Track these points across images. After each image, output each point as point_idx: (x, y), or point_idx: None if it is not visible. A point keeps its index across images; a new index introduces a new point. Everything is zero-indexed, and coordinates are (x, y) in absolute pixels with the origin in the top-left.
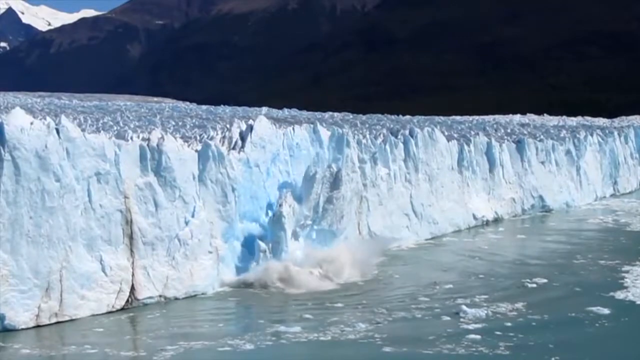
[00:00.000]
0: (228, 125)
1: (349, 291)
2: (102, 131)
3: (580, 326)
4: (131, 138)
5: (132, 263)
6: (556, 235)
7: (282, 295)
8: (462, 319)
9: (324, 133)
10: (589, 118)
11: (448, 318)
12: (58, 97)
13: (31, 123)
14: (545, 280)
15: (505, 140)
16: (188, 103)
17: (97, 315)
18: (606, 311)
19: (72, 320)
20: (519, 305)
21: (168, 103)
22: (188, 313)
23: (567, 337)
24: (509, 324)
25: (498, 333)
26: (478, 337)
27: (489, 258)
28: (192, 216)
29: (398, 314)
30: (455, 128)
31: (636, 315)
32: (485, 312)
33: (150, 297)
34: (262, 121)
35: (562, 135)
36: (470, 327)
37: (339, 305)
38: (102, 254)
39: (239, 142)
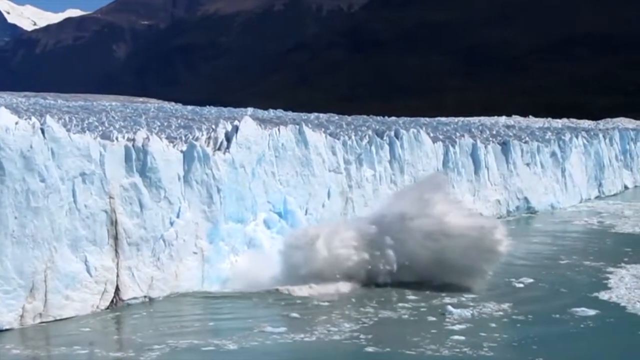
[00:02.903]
0: (213, 126)
1: (338, 290)
2: (87, 131)
3: (565, 327)
4: (116, 138)
5: (117, 264)
6: (541, 236)
7: (269, 294)
8: (447, 319)
9: (310, 134)
10: (574, 120)
11: (434, 318)
12: (43, 97)
13: (16, 123)
14: (531, 281)
15: (491, 142)
16: (173, 103)
17: (82, 315)
18: (591, 312)
19: (56, 320)
20: (505, 305)
21: (153, 103)
22: (173, 313)
23: (552, 338)
24: (494, 324)
25: (483, 334)
26: (462, 337)
27: None
28: (177, 217)
29: (384, 313)
30: (441, 129)
31: (620, 317)
32: (471, 312)
33: (134, 298)
34: (248, 122)
35: (547, 137)
36: (455, 327)
37: (326, 304)
38: (86, 255)
39: (225, 143)
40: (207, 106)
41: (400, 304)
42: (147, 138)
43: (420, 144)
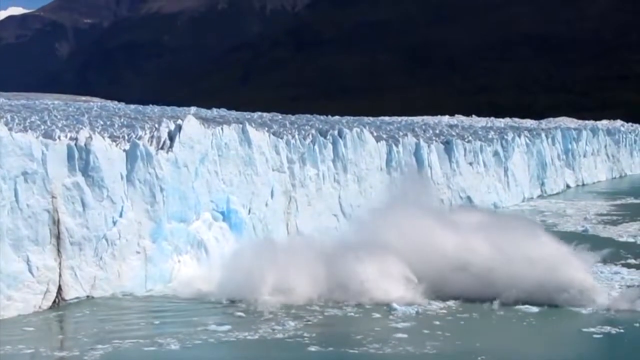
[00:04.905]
0: (156, 125)
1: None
2: (29, 130)
3: (509, 325)
4: (59, 137)
5: (60, 263)
6: None
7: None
8: (392, 317)
9: (253, 133)
10: (516, 119)
11: (378, 315)
12: None
13: None
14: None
15: (434, 141)
16: (116, 102)
17: (24, 315)
18: (534, 309)
19: None
20: (450, 303)
21: (96, 102)
22: (116, 313)
23: (495, 337)
24: (438, 322)
25: (426, 332)
26: (406, 336)
27: None
28: (120, 216)
29: (330, 311)
30: (384, 129)
31: (563, 314)
32: (416, 309)
33: (77, 298)
34: (191, 121)
35: (490, 136)
36: (400, 325)
37: (273, 301)
38: (29, 254)
39: (168, 142)
40: (150, 105)
41: (345, 302)
42: (90, 137)
43: (364, 143)
